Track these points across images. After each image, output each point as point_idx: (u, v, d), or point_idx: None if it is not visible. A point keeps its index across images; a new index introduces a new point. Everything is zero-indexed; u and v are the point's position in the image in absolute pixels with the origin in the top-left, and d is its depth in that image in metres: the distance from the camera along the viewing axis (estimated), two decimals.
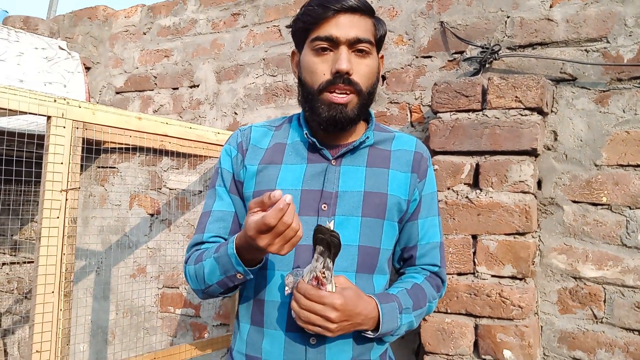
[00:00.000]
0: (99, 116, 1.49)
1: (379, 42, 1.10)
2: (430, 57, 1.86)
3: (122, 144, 1.83)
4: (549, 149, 1.60)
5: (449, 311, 1.51)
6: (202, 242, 1.11)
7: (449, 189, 1.55)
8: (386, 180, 1.09)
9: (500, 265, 1.46)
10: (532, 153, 1.47)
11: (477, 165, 1.53)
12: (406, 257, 1.17)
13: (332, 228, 0.89)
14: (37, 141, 1.67)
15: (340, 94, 1.03)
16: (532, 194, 1.48)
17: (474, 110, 1.54)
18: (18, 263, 2.91)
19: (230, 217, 1.13)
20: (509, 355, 1.42)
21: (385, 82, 1.94)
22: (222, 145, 1.72)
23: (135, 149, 2.41)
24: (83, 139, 1.45)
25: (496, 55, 1.68)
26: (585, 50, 1.59)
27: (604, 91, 1.55)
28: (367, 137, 1.10)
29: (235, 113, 2.31)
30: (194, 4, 2.49)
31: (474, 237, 1.51)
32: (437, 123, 1.58)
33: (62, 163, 1.39)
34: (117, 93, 2.71)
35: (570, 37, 1.61)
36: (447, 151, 1.56)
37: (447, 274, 1.49)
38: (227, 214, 1.13)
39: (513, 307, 1.42)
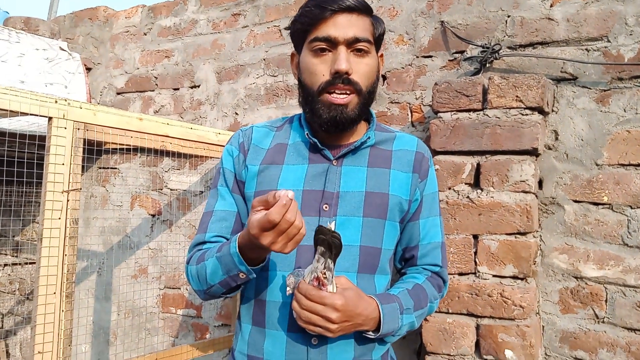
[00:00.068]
0: (100, 117, 1.49)
1: (377, 41, 1.10)
2: (430, 56, 1.86)
3: (123, 144, 1.84)
4: (549, 149, 1.60)
5: (450, 311, 1.51)
6: (204, 242, 1.11)
7: (450, 188, 1.55)
8: (387, 180, 1.09)
9: (501, 265, 1.46)
10: (533, 153, 1.47)
11: (478, 165, 1.53)
12: (407, 257, 1.17)
13: (333, 229, 0.89)
14: (39, 142, 1.68)
15: (340, 94, 1.03)
16: (533, 193, 1.48)
17: (474, 110, 1.54)
18: (20, 264, 2.92)
19: (232, 217, 1.12)
20: (510, 355, 1.42)
21: (385, 82, 1.94)
22: (223, 146, 1.73)
23: (137, 150, 2.41)
24: (84, 139, 1.45)
25: (497, 54, 1.68)
26: (586, 49, 1.59)
27: (604, 90, 1.55)
28: (369, 137, 1.10)
29: (236, 113, 2.31)
30: (194, 5, 2.49)
31: (475, 237, 1.51)
32: (437, 123, 1.58)
33: (63, 164, 1.39)
34: (118, 94, 2.71)
35: (570, 37, 1.61)
36: (448, 151, 1.56)
37: (449, 274, 1.49)
38: (229, 214, 1.12)
39: (514, 307, 1.42)
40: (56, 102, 1.39)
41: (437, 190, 1.19)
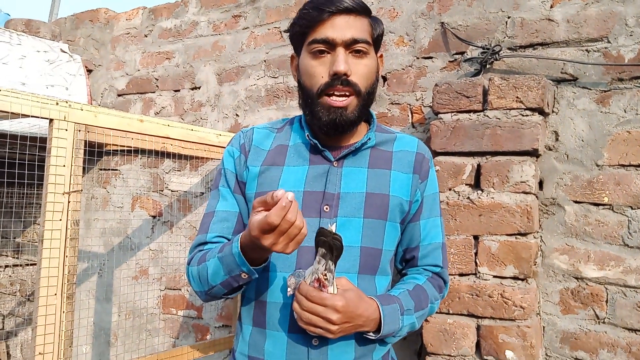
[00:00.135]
0: (101, 119, 1.50)
1: (376, 42, 1.10)
2: (431, 58, 1.86)
3: (124, 146, 1.84)
4: (550, 150, 1.60)
5: (450, 312, 1.51)
6: (206, 243, 1.11)
7: (450, 189, 1.55)
8: (388, 181, 1.09)
9: (502, 266, 1.46)
10: (534, 153, 1.47)
11: (479, 165, 1.53)
12: (408, 258, 1.17)
13: (334, 230, 0.90)
14: (40, 144, 1.68)
15: (340, 96, 1.03)
16: (534, 194, 1.48)
17: (475, 111, 1.54)
18: (21, 265, 2.92)
19: (234, 218, 1.13)
20: (511, 355, 1.42)
21: (386, 83, 1.94)
22: (223, 147, 1.73)
23: (137, 151, 2.41)
24: (85, 141, 1.46)
25: (497, 55, 1.68)
26: (586, 50, 1.59)
27: (605, 91, 1.55)
28: (369, 139, 1.11)
29: (237, 115, 2.32)
30: (194, 6, 2.50)
31: (476, 237, 1.51)
32: (438, 124, 1.58)
33: (64, 165, 1.39)
34: (119, 95, 2.71)
35: (571, 37, 1.61)
36: (449, 152, 1.56)
37: (449, 274, 1.49)
38: (230, 214, 1.13)
39: (515, 307, 1.42)
40: (57, 104, 1.39)
41: (438, 191, 1.19)
